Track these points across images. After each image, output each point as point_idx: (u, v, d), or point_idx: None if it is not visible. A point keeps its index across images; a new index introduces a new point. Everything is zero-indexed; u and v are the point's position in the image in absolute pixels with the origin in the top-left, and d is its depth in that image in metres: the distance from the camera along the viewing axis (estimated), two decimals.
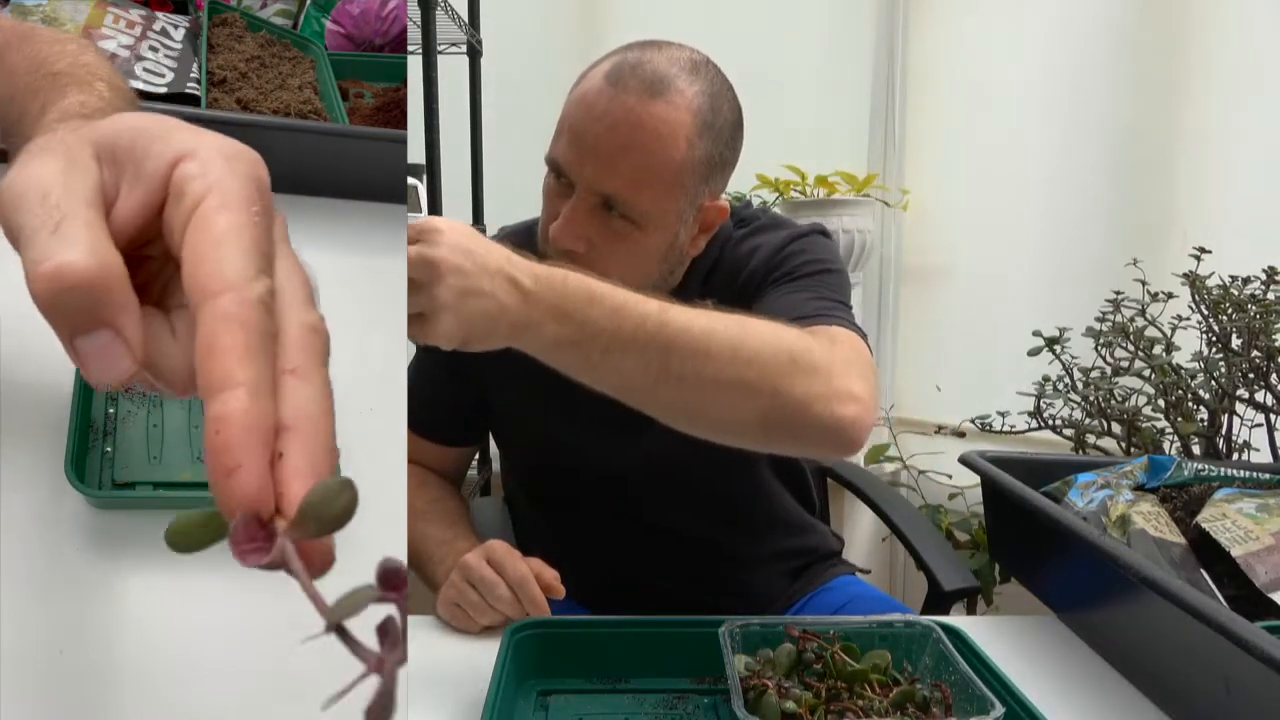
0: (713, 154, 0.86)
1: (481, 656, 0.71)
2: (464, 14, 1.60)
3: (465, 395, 1.03)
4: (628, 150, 0.82)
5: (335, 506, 0.31)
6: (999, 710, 0.59)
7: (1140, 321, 1.20)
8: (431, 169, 1.33)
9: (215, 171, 0.34)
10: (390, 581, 0.31)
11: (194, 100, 1.13)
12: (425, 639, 0.81)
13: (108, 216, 0.33)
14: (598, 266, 0.82)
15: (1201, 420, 1.12)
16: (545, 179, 0.89)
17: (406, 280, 0.59)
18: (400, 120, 1.27)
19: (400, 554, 0.62)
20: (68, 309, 0.31)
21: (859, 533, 1.89)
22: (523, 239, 0.97)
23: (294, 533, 0.30)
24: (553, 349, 0.63)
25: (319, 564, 0.31)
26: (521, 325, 0.61)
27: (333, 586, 0.31)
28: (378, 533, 0.64)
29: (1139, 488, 0.89)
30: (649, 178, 0.83)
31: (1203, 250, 1.16)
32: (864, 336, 0.81)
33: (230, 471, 0.30)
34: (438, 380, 1.01)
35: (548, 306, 0.62)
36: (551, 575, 0.82)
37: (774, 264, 0.91)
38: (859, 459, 1.72)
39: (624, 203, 0.83)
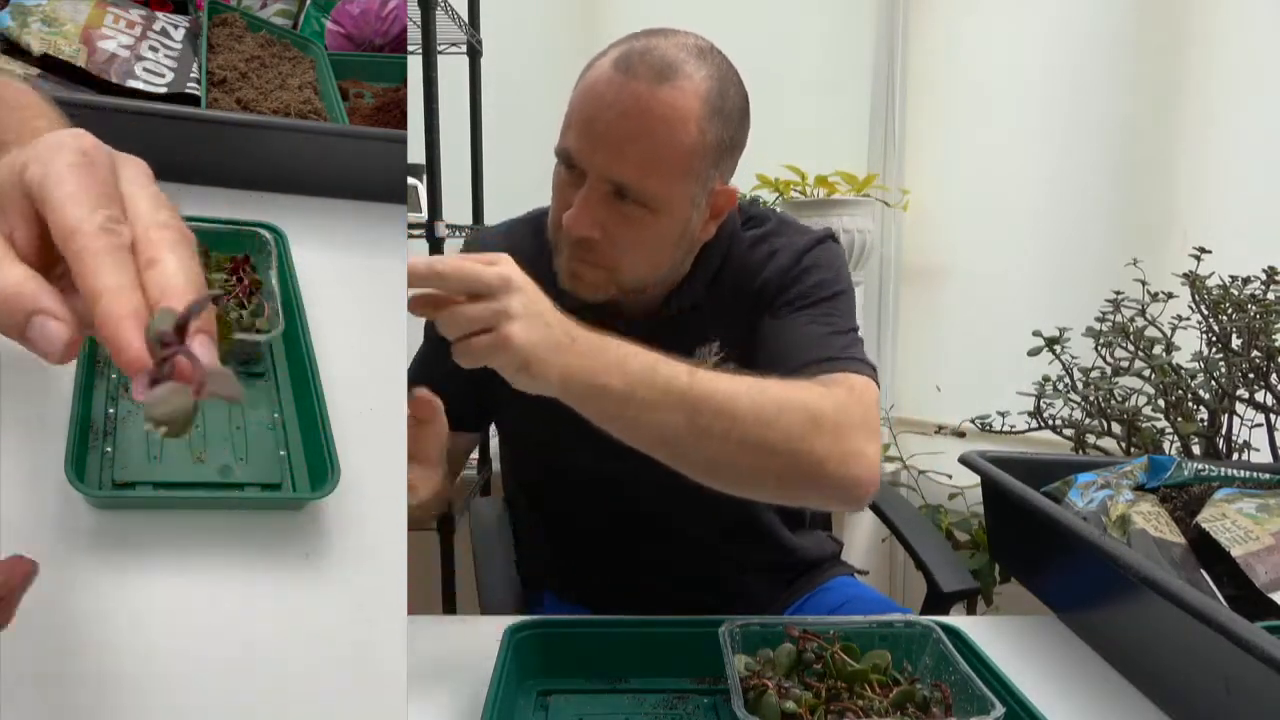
0: (723, 137, 0.86)
1: (481, 656, 0.71)
2: (464, 14, 1.60)
3: (468, 385, 1.02)
4: (638, 136, 0.82)
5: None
6: (999, 710, 0.59)
7: (1140, 321, 1.20)
8: (431, 169, 1.33)
9: (44, 157, 0.40)
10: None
11: (194, 100, 1.13)
12: (425, 639, 0.81)
13: (19, 254, 0.40)
14: (612, 253, 0.84)
15: (1201, 420, 1.12)
16: (555, 171, 0.89)
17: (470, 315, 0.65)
18: (400, 120, 1.27)
19: (401, 554, 0.62)
20: (6, 323, 0.38)
21: (859, 533, 1.89)
22: (523, 233, 0.97)
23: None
24: (584, 400, 0.68)
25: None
26: (565, 372, 0.66)
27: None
28: (378, 533, 0.64)
29: (1139, 488, 0.89)
30: (660, 163, 0.83)
31: (1203, 250, 1.16)
32: (874, 371, 0.84)
33: (120, 351, 0.36)
34: (443, 369, 1.00)
35: (586, 361, 0.67)
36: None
37: (790, 278, 0.92)
38: None
39: (636, 189, 0.83)
